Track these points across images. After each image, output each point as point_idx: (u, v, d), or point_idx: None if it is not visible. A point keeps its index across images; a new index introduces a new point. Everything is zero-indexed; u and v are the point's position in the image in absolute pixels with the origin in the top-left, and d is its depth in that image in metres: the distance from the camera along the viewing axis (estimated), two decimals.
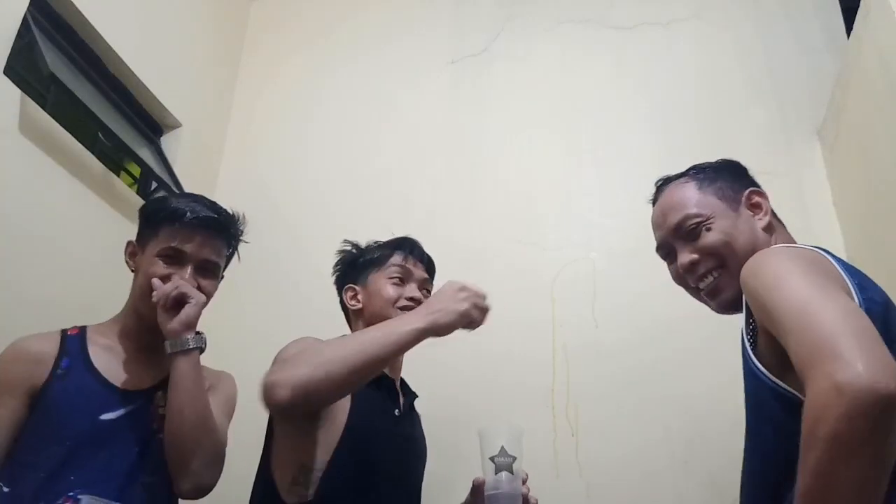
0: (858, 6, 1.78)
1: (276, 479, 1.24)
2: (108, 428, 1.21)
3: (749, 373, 0.97)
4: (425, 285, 1.53)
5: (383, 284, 1.47)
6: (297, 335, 1.98)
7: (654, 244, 1.30)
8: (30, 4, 1.77)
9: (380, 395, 1.37)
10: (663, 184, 1.30)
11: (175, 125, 2.40)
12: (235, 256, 1.47)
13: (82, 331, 1.31)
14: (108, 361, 1.28)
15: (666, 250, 1.25)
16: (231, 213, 1.41)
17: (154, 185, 2.21)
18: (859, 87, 1.80)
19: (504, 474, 1.17)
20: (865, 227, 1.83)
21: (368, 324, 1.40)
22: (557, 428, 1.89)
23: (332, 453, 1.22)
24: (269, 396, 1.11)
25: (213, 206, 1.37)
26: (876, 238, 1.75)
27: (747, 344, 0.97)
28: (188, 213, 1.29)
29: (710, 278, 1.16)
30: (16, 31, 1.72)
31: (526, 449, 1.24)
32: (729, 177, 1.24)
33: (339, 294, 1.57)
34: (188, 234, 1.30)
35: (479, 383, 1.97)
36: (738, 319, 1.04)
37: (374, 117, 2.55)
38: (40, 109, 1.81)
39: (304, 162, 2.54)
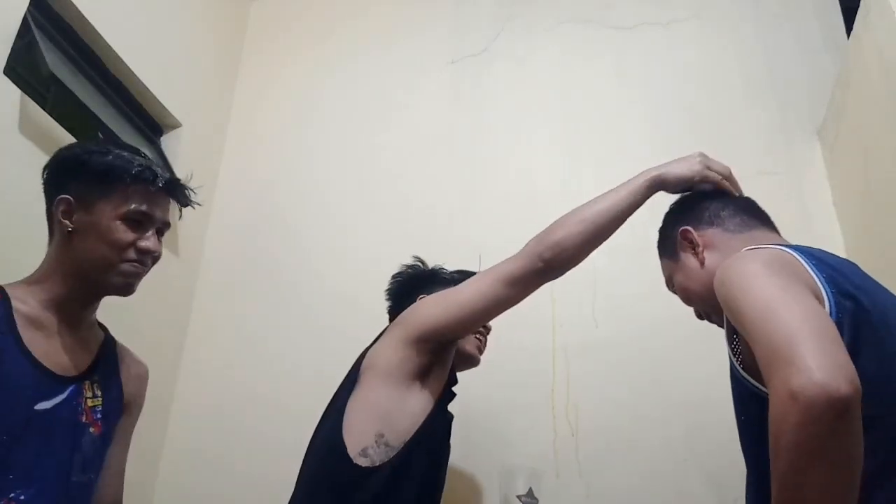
0: (858, 6, 1.78)
1: (347, 443, 1.23)
2: (43, 419, 1.09)
3: (733, 377, 0.98)
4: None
5: None
6: (296, 335, 2.00)
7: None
8: (30, 4, 1.77)
9: (450, 395, 1.42)
10: None
11: (175, 125, 2.40)
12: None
13: (3, 297, 1.12)
14: (37, 338, 1.12)
15: None
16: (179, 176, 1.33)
17: None
18: (859, 87, 1.80)
19: None
20: (865, 227, 1.83)
21: None
22: (557, 428, 1.89)
23: (415, 432, 1.25)
24: (537, 260, 1.23)
25: (165, 166, 1.30)
26: (876, 238, 1.75)
27: (729, 349, 0.97)
28: (158, 178, 1.20)
29: (712, 319, 1.19)
30: (16, 31, 1.72)
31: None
32: (666, 229, 1.26)
33: (403, 299, 1.59)
34: (154, 196, 1.20)
35: (479, 383, 1.97)
36: None
37: (374, 117, 2.55)
38: (40, 109, 1.81)
39: (304, 162, 2.54)
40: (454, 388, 1.44)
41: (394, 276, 1.65)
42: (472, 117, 2.44)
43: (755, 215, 1.21)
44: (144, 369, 1.37)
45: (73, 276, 1.17)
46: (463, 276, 1.57)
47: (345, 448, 1.21)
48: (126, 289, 1.20)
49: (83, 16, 1.98)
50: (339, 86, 2.64)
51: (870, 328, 0.88)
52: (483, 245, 2.18)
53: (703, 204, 1.22)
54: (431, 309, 1.33)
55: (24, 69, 1.81)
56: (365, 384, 1.29)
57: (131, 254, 1.17)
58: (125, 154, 1.22)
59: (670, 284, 1.24)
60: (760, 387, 0.88)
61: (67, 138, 1.90)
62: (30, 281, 1.19)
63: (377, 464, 1.19)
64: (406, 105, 2.54)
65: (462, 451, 1.86)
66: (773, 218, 1.93)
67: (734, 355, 0.95)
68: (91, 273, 1.17)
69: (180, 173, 1.41)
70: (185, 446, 2.16)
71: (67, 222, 1.17)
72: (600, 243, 1.27)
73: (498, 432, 1.88)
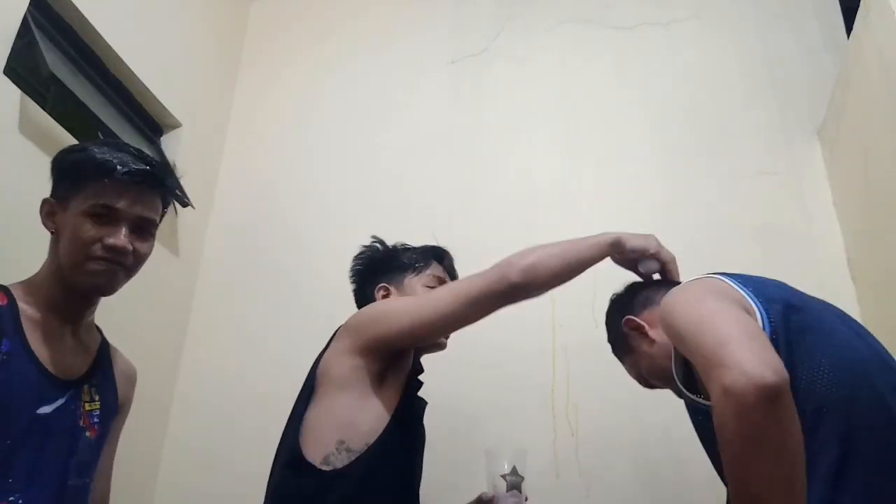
0: (858, 6, 1.78)
1: (308, 454, 1.20)
2: (43, 423, 1.07)
3: (691, 410, 1.07)
4: None
5: (420, 291, 1.49)
6: (296, 335, 2.00)
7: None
8: (30, 4, 1.77)
9: (417, 385, 1.38)
10: None
11: (175, 125, 2.40)
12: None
13: (10, 299, 1.11)
14: (42, 342, 1.11)
15: None
16: (165, 162, 1.26)
17: None
18: (859, 87, 1.80)
19: (514, 492, 1.25)
20: (865, 227, 1.83)
21: None
22: (557, 428, 1.89)
23: (381, 432, 1.21)
24: (502, 281, 1.20)
25: (142, 155, 1.19)
26: (876, 238, 1.75)
27: (678, 382, 1.05)
28: (118, 167, 1.12)
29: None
30: (16, 31, 1.72)
31: (527, 457, 1.29)
32: (612, 333, 1.33)
33: (364, 286, 1.57)
34: (120, 188, 1.13)
35: (480, 383, 1.97)
36: None
37: (374, 117, 2.55)
38: (40, 109, 1.81)
39: (305, 162, 2.54)
40: (420, 377, 1.40)
41: (355, 258, 1.61)
42: (472, 117, 2.44)
43: (675, 283, 1.27)
44: (134, 370, 1.36)
45: (60, 278, 1.15)
46: (422, 256, 1.55)
47: (306, 459, 1.19)
48: (96, 289, 1.16)
49: (83, 16, 1.98)
50: (339, 86, 2.64)
51: (802, 323, 0.95)
52: (483, 245, 2.18)
53: (635, 294, 1.30)
54: (383, 319, 1.28)
55: (24, 69, 1.81)
56: (322, 394, 1.25)
57: (96, 250, 1.12)
58: (97, 148, 1.17)
59: (643, 380, 1.28)
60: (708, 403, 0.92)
61: (67, 138, 1.90)
62: (30, 282, 1.17)
63: (340, 468, 1.17)
64: (406, 105, 2.54)
65: (461, 452, 1.86)
66: (773, 218, 1.94)
67: (691, 392, 1.02)
68: (67, 274, 1.14)
69: (180, 173, 1.40)
70: (185, 446, 2.15)
71: (51, 224, 1.17)
72: (561, 282, 1.28)
73: (498, 432, 1.88)
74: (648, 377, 1.25)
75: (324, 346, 1.36)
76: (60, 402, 1.11)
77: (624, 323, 1.24)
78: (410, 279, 1.52)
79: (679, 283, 1.29)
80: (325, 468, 1.17)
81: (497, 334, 1.69)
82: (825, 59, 2.19)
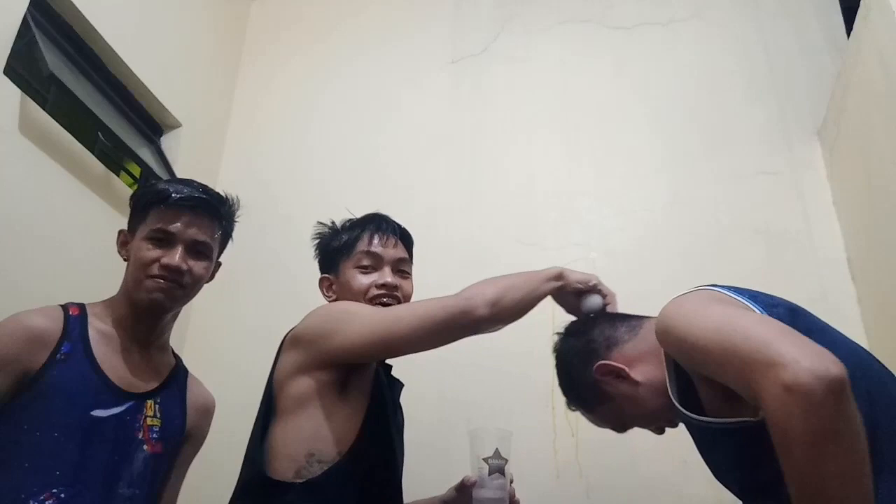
0: (858, 6, 1.78)
1: (276, 471, 1.15)
2: (97, 426, 1.14)
3: (693, 428, 0.99)
4: (400, 265, 1.39)
5: (352, 275, 1.36)
6: None
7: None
8: (30, 4, 1.77)
9: (387, 383, 1.32)
10: (574, 409, 1.28)
11: (175, 125, 2.41)
12: (231, 243, 1.43)
13: (83, 312, 1.23)
14: (107, 353, 1.20)
15: None
16: (222, 194, 1.35)
17: None
18: (859, 87, 1.80)
19: (496, 475, 1.21)
20: (865, 227, 1.83)
21: None
22: (557, 428, 1.89)
23: (356, 436, 1.17)
24: (468, 314, 1.13)
25: (201, 187, 1.31)
26: (876, 238, 1.75)
27: (679, 405, 0.96)
28: (173, 194, 1.25)
29: (666, 427, 1.18)
30: (16, 31, 1.72)
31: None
32: (575, 385, 1.19)
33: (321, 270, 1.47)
34: (174, 214, 1.25)
35: (480, 383, 1.97)
36: None
37: (375, 117, 2.55)
38: (40, 109, 1.81)
39: (305, 162, 2.54)
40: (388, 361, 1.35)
41: (312, 238, 1.50)
42: (472, 117, 2.44)
43: (625, 315, 1.20)
44: (211, 402, 1.42)
45: (128, 298, 1.26)
46: (349, 232, 1.40)
47: (275, 477, 1.14)
48: (152, 305, 1.24)
49: (83, 16, 1.98)
50: (339, 86, 2.64)
51: (808, 325, 0.91)
52: (483, 245, 2.18)
53: (589, 339, 1.17)
54: (333, 336, 1.19)
55: (24, 69, 1.81)
56: (282, 412, 1.20)
57: (154, 270, 1.22)
58: (164, 182, 1.31)
59: (622, 426, 1.19)
60: (727, 420, 0.88)
61: (67, 138, 1.90)
62: (106, 302, 1.28)
63: (313, 478, 1.12)
64: (406, 105, 2.54)
65: (460, 451, 1.85)
66: (773, 218, 1.93)
67: (689, 409, 0.95)
68: (131, 293, 1.24)
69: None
70: None
71: (124, 252, 1.29)
72: (520, 316, 1.22)
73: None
74: (632, 421, 1.17)
75: (275, 352, 1.30)
76: (117, 410, 1.18)
77: (595, 370, 1.10)
78: (344, 263, 1.38)
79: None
80: (297, 481, 1.12)
81: (497, 335, 1.68)
82: (825, 59, 2.19)
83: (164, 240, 1.24)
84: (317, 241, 1.48)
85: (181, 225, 1.25)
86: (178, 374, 1.33)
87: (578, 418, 2.01)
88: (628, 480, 1.81)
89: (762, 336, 0.78)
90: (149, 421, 1.22)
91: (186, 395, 1.33)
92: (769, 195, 2.08)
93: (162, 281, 1.22)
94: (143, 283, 1.22)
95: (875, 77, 1.68)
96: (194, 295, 1.30)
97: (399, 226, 1.45)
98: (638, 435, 1.86)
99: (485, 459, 1.22)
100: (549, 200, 2.23)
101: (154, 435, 1.22)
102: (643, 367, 1.08)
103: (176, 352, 1.40)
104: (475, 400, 1.95)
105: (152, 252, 1.23)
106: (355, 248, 1.38)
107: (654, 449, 1.83)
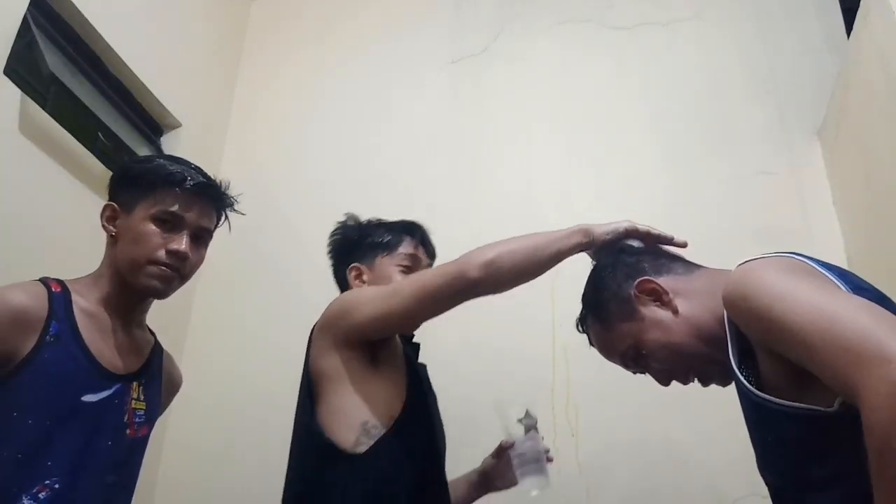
0: (858, 6, 1.78)
1: (337, 440, 1.17)
2: (87, 411, 1.09)
3: (750, 403, 0.89)
4: None
5: (392, 271, 1.44)
6: (297, 334, 1.98)
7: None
8: (30, 4, 1.77)
9: (414, 351, 1.37)
10: (583, 329, 1.19)
11: (175, 125, 2.41)
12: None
13: (64, 289, 1.16)
14: (93, 332, 1.14)
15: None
16: (221, 182, 1.34)
17: None
18: (859, 87, 1.80)
19: (531, 433, 1.27)
20: (865, 227, 1.83)
21: None
22: (557, 428, 1.89)
23: (399, 414, 1.21)
24: (461, 278, 1.13)
25: (203, 172, 1.28)
26: (876, 238, 1.75)
27: (740, 375, 0.89)
28: (188, 178, 1.21)
29: (691, 377, 1.08)
30: (16, 31, 1.72)
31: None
32: (608, 292, 1.11)
33: (339, 267, 1.53)
34: (187, 198, 1.21)
35: (480, 383, 1.97)
36: None
37: (374, 117, 2.55)
38: (40, 109, 1.81)
39: (305, 162, 2.54)
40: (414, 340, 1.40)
41: (331, 235, 1.58)
42: (472, 117, 2.44)
43: (686, 259, 1.14)
44: (180, 378, 1.40)
45: (116, 277, 1.20)
46: (393, 232, 1.49)
47: (338, 448, 1.17)
48: (153, 291, 1.20)
49: (83, 16, 1.98)
50: (338, 85, 2.65)
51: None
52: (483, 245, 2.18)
53: (639, 258, 1.12)
54: (348, 314, 1.25)
55: (24, 69, 1.81)
56: (325, 391, 1.24)
57: (160, 255, 1.17)
58: (165, 161, 1.26)
59: (634, 353, 1.08)
60: (797, 404, 0.81)
61: (67, 138, 1.90)
62: (87, 279, 1.22)
63: (369, 449, 1.16)
64: (406, 105, 2.54)
65: (461, 450, 1.86)
66: (773, 218, 1.93)
67: (748, 380, 0.88)
68: (125, 274, 1.19)
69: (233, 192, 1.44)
70: (186, 445, 2.16)
71: (111, 227, 1.22)
72: (529, 278, 1.19)
73: (498, 433, 1.88)
74: (662, 351, 1.05)
75: (305, 349, 1.33)
76: (107, 393, 1.13)
77: (637, 285, 1.04)
78: (382, 259, 1.46)
79: (671, 238, 1.21)
80: (360, 449, 1.16)
81: (497, 334, 1.69)
82: (825, 59, 2.19)
83: (170, 222, 1.19)
84: (341, 228, 1.55)
85: (194, 213, 1.21)
86: (156, 353, 1.31)
87: (578, 418, 2.02)
88: (628, 480, 1.81)
89: (870, 328, 0.69)
90: (133, 404, 1.18)
91: (163, 375, 1.31)
92: (769, 195, 2.08)
93: (166, 268, 1.18)
94: (145, 268, 1.17)
95: (875, 77, 1.68)
96: (187, 281, 1.27)
97: (433, 245, 1.56)
98: (638, 435, 1.87)
99: (518, 420, 1.27)
100: (549, 200, 2.23)
101: (137, 419, 1.19)
102: (687, 303, 1.03)
103: (166, 346, 1.38)
104: (475, 400, 1.95)
105: (158, 235, 1.18)
106: (399, 249, 1.47)
107: (655, 449, 1.84)
